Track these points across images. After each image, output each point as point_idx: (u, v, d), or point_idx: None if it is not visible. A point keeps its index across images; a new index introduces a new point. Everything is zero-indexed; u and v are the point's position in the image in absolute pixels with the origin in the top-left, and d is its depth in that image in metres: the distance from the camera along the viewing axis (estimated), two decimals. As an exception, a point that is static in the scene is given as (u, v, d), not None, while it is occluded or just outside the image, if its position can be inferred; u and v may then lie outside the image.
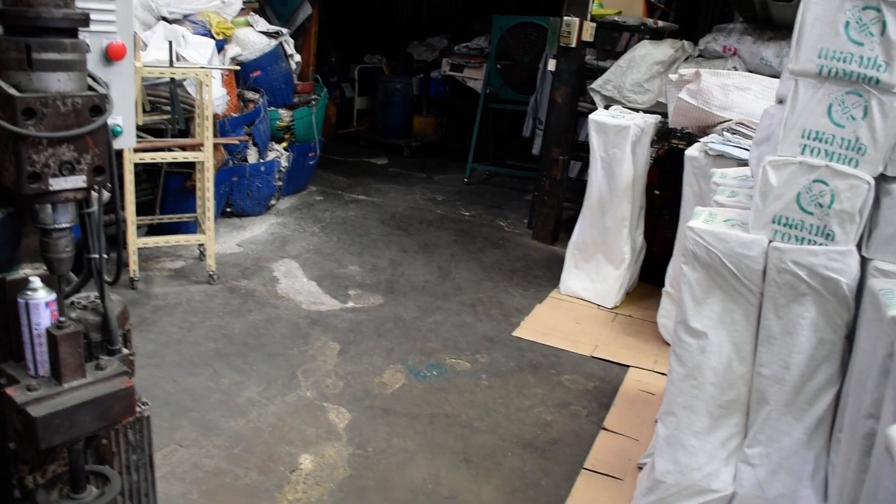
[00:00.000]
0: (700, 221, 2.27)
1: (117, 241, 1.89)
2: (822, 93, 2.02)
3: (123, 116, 1.81)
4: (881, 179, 2.03)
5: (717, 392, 2.32)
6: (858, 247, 2.09)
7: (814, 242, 2.09)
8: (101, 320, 1.87)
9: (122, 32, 1.78)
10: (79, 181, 1.49)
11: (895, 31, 1.90)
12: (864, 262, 2.09)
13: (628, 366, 3.78)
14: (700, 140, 4.03)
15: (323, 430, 3.03)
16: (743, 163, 3.63)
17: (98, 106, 1.53)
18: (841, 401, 2.20)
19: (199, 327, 3.87)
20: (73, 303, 1.83)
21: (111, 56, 1.73)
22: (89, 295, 2.00)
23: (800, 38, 2.00)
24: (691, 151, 3.84)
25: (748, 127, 3.89)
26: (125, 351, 2.02)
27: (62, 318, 1.51)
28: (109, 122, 1.78)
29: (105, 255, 1.98)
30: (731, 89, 4.17)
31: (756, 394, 2.29)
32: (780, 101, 2.86)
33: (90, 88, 1.58)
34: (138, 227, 4.83)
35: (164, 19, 5.41)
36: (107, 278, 1.99)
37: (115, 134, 1.77)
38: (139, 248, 4.32)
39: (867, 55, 1.94)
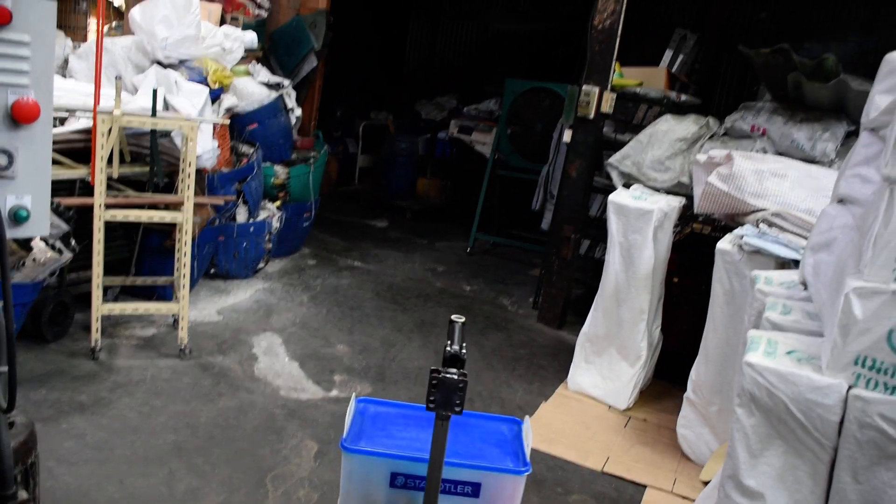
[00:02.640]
0: (760, 355, 1.83)
1: (9, 355, 1.46)
2: (926, 208, 1.62)
3: (34, 195, 1.38)
4: None
5: (774, 566, 1.86)
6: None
7: (908, 394, 1.66)
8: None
9: (36, 87, 1.36)
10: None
11: None
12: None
13: (644, 485, 3.30)
14: (732, 230, 3.64)
15: (286, 561, 2.55)
16: (783, 262, 3.23)
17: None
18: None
19: (160, 413, 3.41)
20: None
21: (17, 117, 1.31)
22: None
23: (901, 138, 1.61)
24: (723, 245, 3.43)
25: (786, 220, 3.50)
26: (22, 495, 1.58)
27: None
28: (12, 202, 1.37)
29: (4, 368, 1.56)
30: (766, 175, 3.79)
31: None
32: (841, 201, 2.49)
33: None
34: (108, 288, 4.40)
35: (160, 63, 5.09)
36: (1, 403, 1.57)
37: (19, 219, 1.36)
38: (103, 316, 3.87)
39: None
